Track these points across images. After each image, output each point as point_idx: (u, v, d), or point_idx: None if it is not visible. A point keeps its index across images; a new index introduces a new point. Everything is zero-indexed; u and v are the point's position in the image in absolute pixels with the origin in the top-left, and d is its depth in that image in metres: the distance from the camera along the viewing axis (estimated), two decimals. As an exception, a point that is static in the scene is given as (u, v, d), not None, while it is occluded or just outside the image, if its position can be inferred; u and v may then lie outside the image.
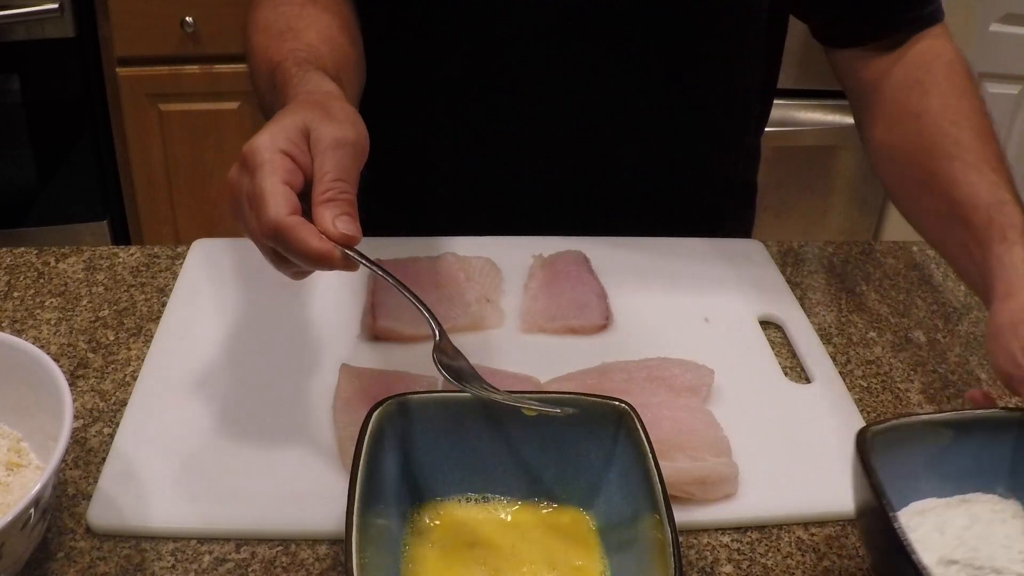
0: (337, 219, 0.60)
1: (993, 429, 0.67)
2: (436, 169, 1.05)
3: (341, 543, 0.59)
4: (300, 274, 0.65)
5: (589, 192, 1.02)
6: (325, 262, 0.60)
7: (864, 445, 0.62)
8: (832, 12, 0.92)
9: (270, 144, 0.61)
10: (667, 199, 1.04)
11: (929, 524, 0.63)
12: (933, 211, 0.81)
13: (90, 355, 0.82)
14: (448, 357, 0.64)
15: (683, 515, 0.62)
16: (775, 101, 1.10)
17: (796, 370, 0.83)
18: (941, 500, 0.66)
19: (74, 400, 0.61)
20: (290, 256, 0.60)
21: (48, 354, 0.64)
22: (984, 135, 0.81)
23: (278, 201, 0.59)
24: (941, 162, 0.80)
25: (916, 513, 0.64)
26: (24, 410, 0.66)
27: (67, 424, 0.59)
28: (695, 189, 1.05)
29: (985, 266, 0.73)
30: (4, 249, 0.95)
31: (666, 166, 1.01)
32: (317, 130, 0.63)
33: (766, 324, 0.88)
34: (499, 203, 1.02)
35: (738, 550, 0.67)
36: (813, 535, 0.69)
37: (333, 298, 0.87)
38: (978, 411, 0.69)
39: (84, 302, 0.88)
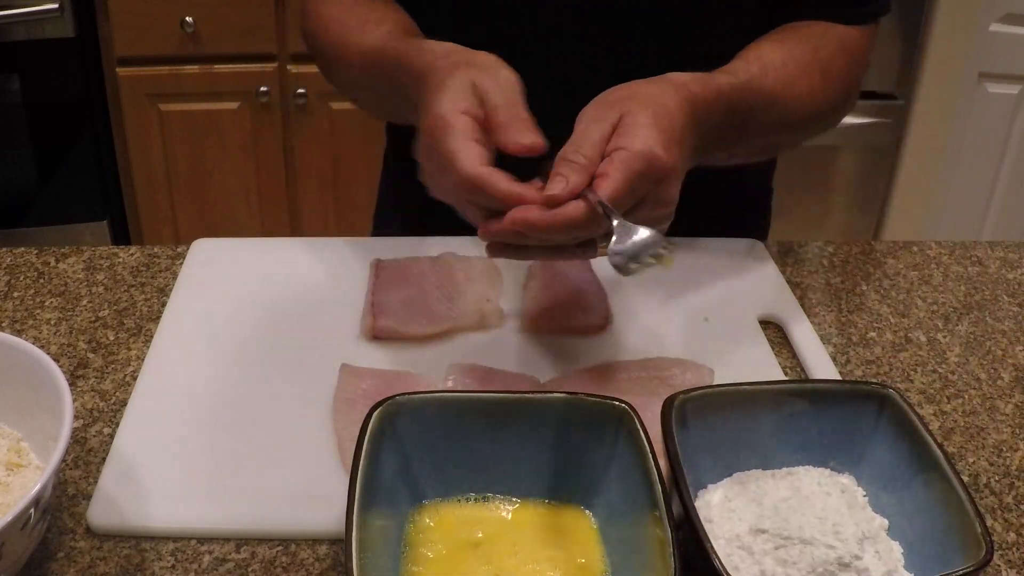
0: (516, 134, 0.65)
1: (817, 402, 0.67)
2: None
3: (341, 543, 0.59)
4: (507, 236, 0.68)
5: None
6: (520, 201, 0.63)
7: (671, 413, 0.63)
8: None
9: (452, 107, 0.66)
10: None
11: (748, 494, 0.64)
12: None
13: (90, 355, 0.82)
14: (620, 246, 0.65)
15: (683, 515, 0.63)
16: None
17: (796, 370, 0.83)
18: (767, 472, 0.67)
19: (74, 400, 0.61)
20: (489, 203, 0.65)
21: (48, 354, 0.64)
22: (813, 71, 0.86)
23: (470, 156, 0.64)
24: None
25: (737, 483, 0.65)
26: (24, 410, 0.66)
27: (67, 424, 0.59)
28: (695, 189, 1.05)
29: None
30: (4, 249, 0.95)
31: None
32: (481, 85, 0.68)
33: (766, 324, 0.88)
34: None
35: (738, 550, 0.67)
36: (813, 535, 0.69)
37: (333, 298, 0.87)
38: (794, 384, 0.71)
39: (84, 302, 0.88)
